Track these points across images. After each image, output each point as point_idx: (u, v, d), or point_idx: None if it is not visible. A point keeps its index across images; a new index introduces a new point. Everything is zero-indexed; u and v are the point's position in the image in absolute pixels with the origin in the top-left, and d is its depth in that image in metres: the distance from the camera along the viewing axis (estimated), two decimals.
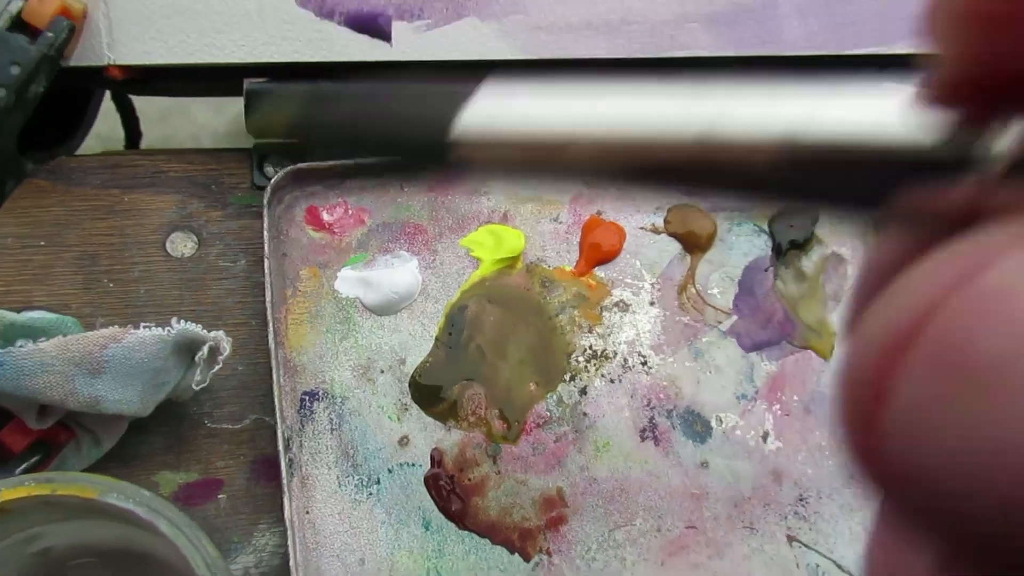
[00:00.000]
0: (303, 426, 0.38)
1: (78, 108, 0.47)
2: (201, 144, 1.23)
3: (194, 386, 0.34)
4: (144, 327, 0.33)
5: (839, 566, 0.39)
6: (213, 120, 1.39)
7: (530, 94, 0.13)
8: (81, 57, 0.40)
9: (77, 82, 0.41)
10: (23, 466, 0.34)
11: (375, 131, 0.16)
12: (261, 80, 0.41)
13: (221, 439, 0.38)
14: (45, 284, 0.39)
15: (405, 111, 0.16)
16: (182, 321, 0.34)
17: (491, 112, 0.13)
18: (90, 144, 0.55)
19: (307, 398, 0.38)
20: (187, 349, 0.35)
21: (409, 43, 0.41)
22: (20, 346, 0.32)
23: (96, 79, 0.41)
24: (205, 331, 0.34)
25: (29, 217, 0.40)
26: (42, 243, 0.40)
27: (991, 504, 0.08)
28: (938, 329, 0.08)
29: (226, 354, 0.34)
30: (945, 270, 0.09)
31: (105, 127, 0.59)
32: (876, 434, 0.09)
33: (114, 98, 0.60)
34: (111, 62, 0.40)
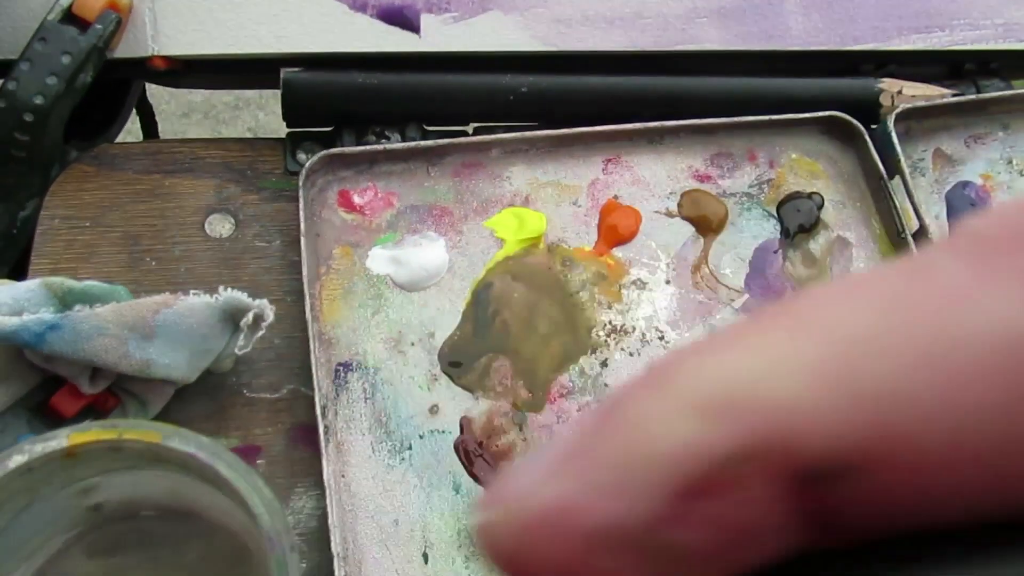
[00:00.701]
0: (338, 395, 0.40)
1: (116, 100, 0.49)
2: None
3: (237, 351, 0.36)
4: (193, 294, 0.35)
5: None
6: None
7: None
8: (126, 49, 0.42)
9: (121, 73, 0.43)
10: None
11: None
12: (297, 70, 0.43)
13: (259, 408, 0.40)
14: (91, 262, 0.41)
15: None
16: (229, 289, 0.36)
17: None
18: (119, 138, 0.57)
19: (341, 369, 0.40)
20: (231, 316, 0.36)
21: (437, 35, 0.43)
22: (78, 310, 0.34)
23: (139, 70, 0.43)
24: (250, 299, 0.36)
25: (75, 200, 0.42)
26: (87, 224, 0.42)
27: None
28: None
29: (269, 320, 0.36)
30: None
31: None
32: None
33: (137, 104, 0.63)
34: (155, 53, 0.42)
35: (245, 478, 0.28)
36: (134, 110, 0.64)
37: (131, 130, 0.68)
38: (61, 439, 0.28)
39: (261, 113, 1.37)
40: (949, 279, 0.10)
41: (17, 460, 0.28)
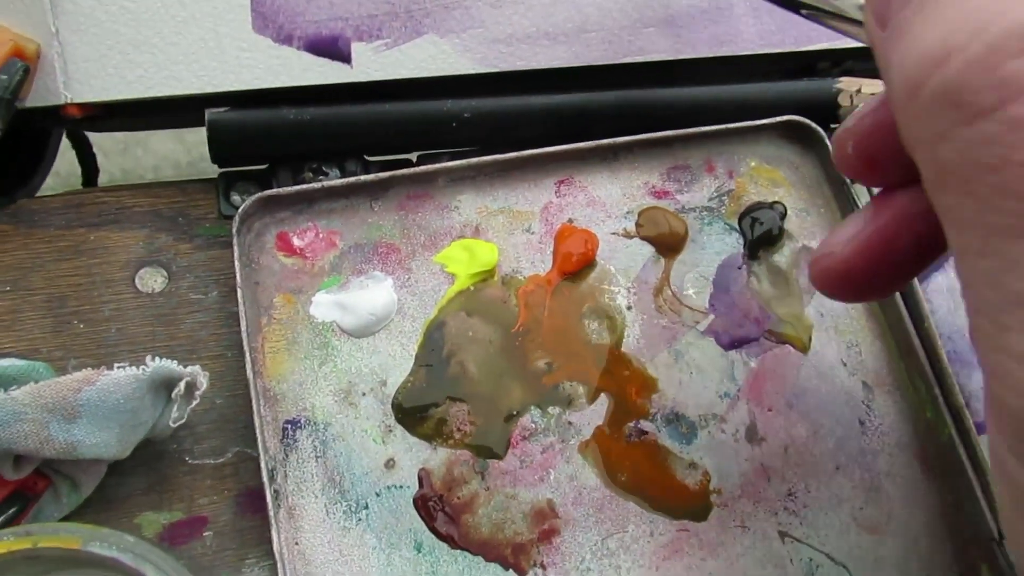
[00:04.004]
0: (287, 455, 0.37)
1: (36, 149, 0.46)
2: (163, 174, 1.21)
3: (172, 423, 0.34)
4: (118, 367, 0.33)
5: (832, 559, 0.39)
6: (174, 150, 1.37)
7: None
8: (37, 97, 0.40)
9: (35, 123, 0.40)
10: (1, 519, 0.33)
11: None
12: (222, 109, 0.40)
13: (203, 475, 0.37)
14: (13, 330, 0.38)
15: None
16: (157, 358, 0.33)
17: None
18: (49, 184, 0.54)
19: (289, 427, 0.38)
20: (163, 386, 0.34)
21: (369, 63, 0.41)
22: None
23: (54, 119, 0.41)
24: (181, 367, 0.34)
25: None
26: (7, 288, 0.39)
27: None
28: None
29: (203, 389, 0.34)
30: None
31: (62, 165, 0.59)
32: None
33: (69, 136, 0.59)
34: (68, 100, 0.39)
35: None
36: (71, 148, 0.61)
37: (72, 170, 0.65)
38: None
39: None
40: None
41: None
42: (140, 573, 0.26)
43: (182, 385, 0.33)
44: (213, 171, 0.43)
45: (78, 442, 0.32)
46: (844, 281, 0.26)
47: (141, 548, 0.26)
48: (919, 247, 0.25)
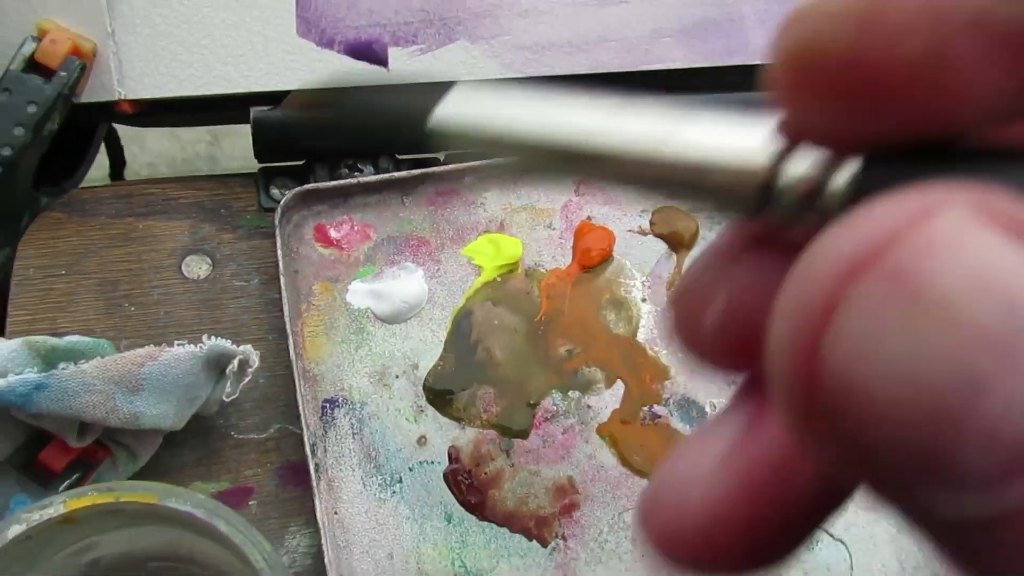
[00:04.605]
0: (326, 432, 0.40)
1: (82, 142, 0.48)
2: (159, 171, 1.23)
3: (224, 398, 0.36)
4: (177, 344, 0.35)
5: (830, 534, 0.42)
6: (169, 148, 1.40)
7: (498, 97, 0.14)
8: (92, 93, 0.42)
9: (88, 117, 0.43)
10: (64, 484, 0.36)
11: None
12: (266, 108, 0.43)
13: (248, 448, 0.40)
14: (68, 311, 0.41)
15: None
16: (212, 337, 0.36)
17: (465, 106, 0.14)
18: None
19: (328, 405, 0.40)
20: (216, 364, 0.37)
21: (404, 67, 0.44)
22: (63, 368, 0.34)
23: (106, 114, 0.43)
24: (234, 345, 0.36)
25: (48, 248, 0.42)
26: (63, 272, 0.42)
27: (912, 433, 0.09)
28: (895, 261, 0.09)
29: (255, 366, 0.36)
30: (889, 216, 0.09)
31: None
32: (814, 356, 0.09)
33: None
34: (122, 97, 0.42)
35: (244, 533, 0.29)
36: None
37: (99, 163, 0.67)
38: (58, 506, 0.28)
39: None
40: None
41: (16, 530, 0.28)
42: (213, 526, 0.28)
43: (235, 362, 0.36)
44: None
45: (140, 413, 0.35)
46: (706, 551, 0.13)
47: (211, 505, 0.29)
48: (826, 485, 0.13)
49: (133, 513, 0.29)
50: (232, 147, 1.27)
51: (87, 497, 0.28)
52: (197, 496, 0.29)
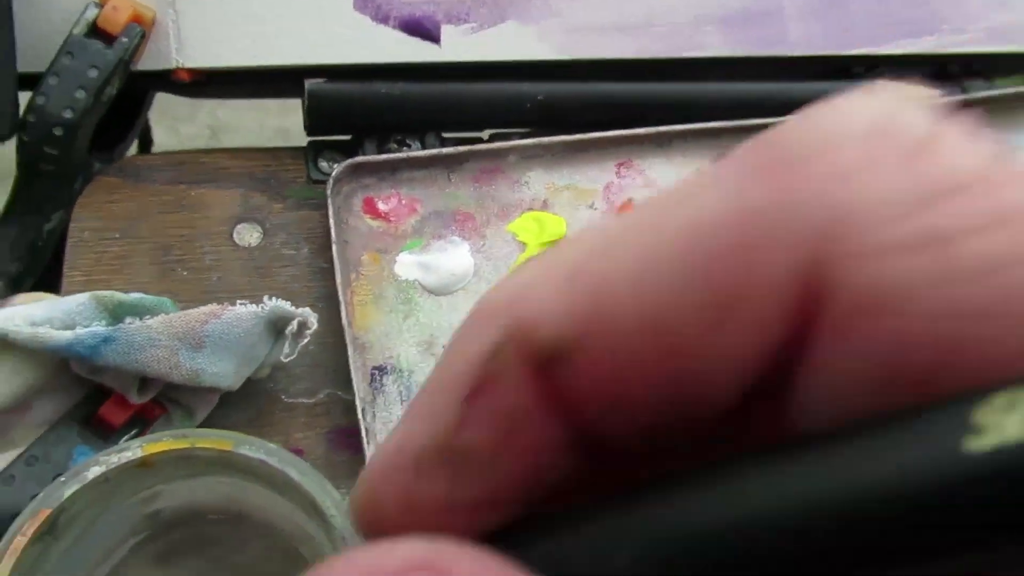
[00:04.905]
0: (375, 398, 0.41)
1: (131, 109, 0.49)
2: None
3: (283, 358, 0.37)
4: (240, 304, 0.36)
5: None
6: (167, 142, 1.40)
7: None
8: (149, 61, 0.43)
9: (144, 85, 0.44)
10: (122, 440, 0.36)
11: None
12: (320, 80, 0.44)
13: (298, 412, 0.41)
14: (122, 273, 0.42)
15: None
16: (273, 298, 0.37)
17: None
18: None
19: (377, 372, 0.41)
20: (275, 325, 0.37)
21: (457, 45, 0.45)
22: (129, 323, 0.34)
23: (162, 82, 0.44)
24: (293, 307, 0.37)
25: (103, 212, 0.43)
26: (117, 235, 0.42)
27: None
28: None
29: (313, 328, 0.37)
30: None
31: None
32: None
33: None
34: (180, 65, 0.43)
35: (315, 482, 0.29)
36: None
37: None
38: (136, 450, 0.29)
39: (220, 111, 1.36)
40: (698, 180, 0.11)
41: (95, 471, 0.28)
42: (285, 474, 0.29)
43: (295, 323, 0.37)
44: (305, 141, 0.46)
45: (201, 370, 0.35)
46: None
47: (283, 454, 0.30)
48: None
49: (207, 460, 0.30)
50: (232, 143, 1.28)
51: (163, 442, 0.29)
52: (269, 445, 0.30)
